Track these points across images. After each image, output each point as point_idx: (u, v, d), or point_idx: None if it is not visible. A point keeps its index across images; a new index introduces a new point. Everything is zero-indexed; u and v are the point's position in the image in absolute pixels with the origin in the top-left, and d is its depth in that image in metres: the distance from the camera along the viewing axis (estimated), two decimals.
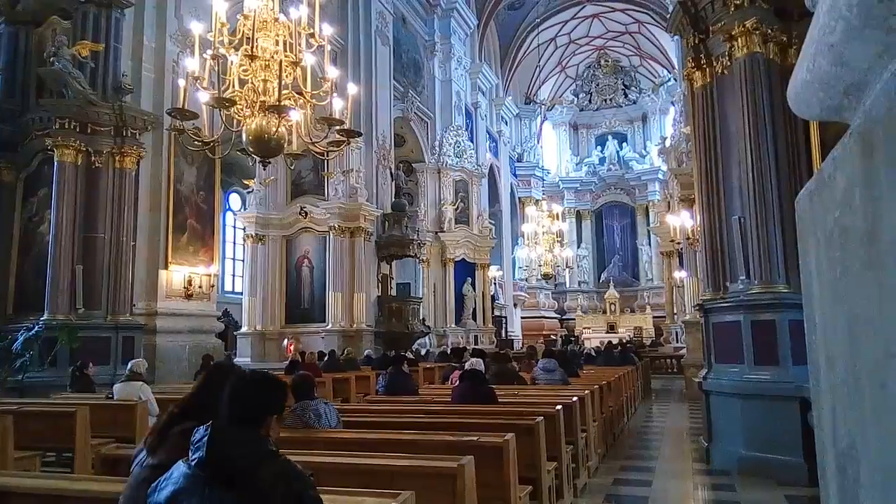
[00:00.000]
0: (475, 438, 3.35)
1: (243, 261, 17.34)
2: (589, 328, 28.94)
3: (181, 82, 6.08)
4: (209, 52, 6.02)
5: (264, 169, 7.37)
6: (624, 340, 20.91)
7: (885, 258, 0.83)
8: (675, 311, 19.03)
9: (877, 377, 0.88)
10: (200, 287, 11.39)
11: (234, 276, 23.41)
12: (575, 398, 5.73)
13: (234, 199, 24.01)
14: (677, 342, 19.18)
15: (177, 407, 2.24)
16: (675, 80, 24.74)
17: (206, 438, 1.73)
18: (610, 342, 18.18)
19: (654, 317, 27.95)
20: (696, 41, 6.83)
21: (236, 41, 5.99)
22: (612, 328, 28.34)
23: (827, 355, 1.22)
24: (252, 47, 5.82)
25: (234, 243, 23.18)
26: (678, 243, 14.87)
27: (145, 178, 10.74)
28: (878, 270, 0.86)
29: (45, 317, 9.43)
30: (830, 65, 1.00)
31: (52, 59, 9.83)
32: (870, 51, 0.88)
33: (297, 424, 3.92)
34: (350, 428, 4.25)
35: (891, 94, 0.80)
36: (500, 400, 5.56)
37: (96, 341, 9.57)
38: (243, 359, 15.20)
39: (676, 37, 8.14)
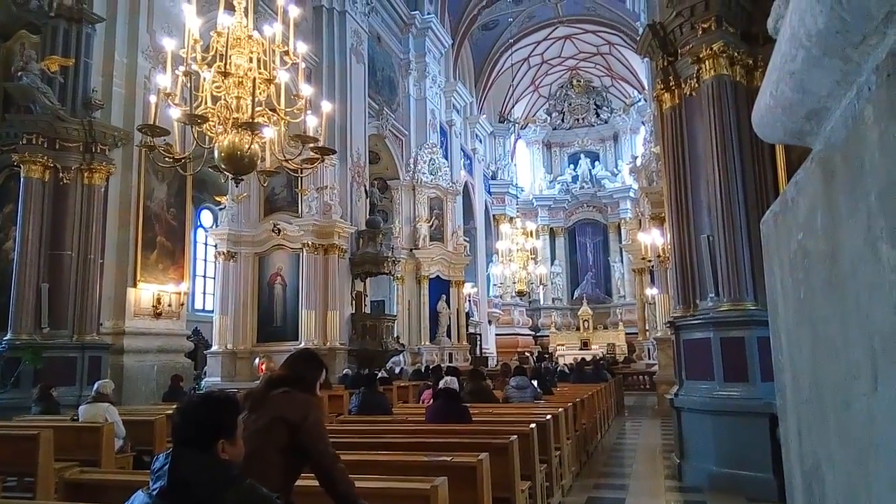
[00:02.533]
0: (448, 459, 3.33)
1: (214, 278, 17.10)
2: (563, 345, 29.07)
3: (152, 98, 6.02)
4: (181, 68, 5.98)
5: (237, 186, 7.31)
6: (597, 357, 21.03)
7: (845, 281, 0.85)
8: (647, 328, 19.22)
9: (840, 397, 0.90)
10: (170, 305, 11.18)
11: (204, 293, 23.05)
12: (549, 416, 5.74)
13: (206, 216, 23.71)
14: (650, 359, 19.35)
15: (275, 375, 2.85)
16: (645, 100, 25.23)
17: (166, 466, 1.69)
18: (583, 359, 18.27)
19: (627, 333, 28.20)
20: (665, 63, 6.98)
21: (209, 58, 5.96)
22: (585, 345, 28.50)
23: (793, 374, 1.24)
24: (225, 64, 5.80)
25: (206, 261, 22.86)
26: (649, 261, 15.07)
27: (114, 195, 10.56)
28: (838, 293, 0.88)
29: (8, 336, 9.17)
30: (792, 91, 1.03)
31: (20, 73, 9.66)
32: (829, 78, 0.91)
33: None
34: None
35: (848, 122, 0.83)
36: (474, 418, 5.54)
37: (62, 362, 9.32)
38: (213, 378, 14.92)
39: (646, 59, 8.32)
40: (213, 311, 16.75)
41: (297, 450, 2.58)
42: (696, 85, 6.65)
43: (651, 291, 17.19)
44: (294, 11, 6.15)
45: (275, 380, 2.78)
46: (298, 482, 2.71)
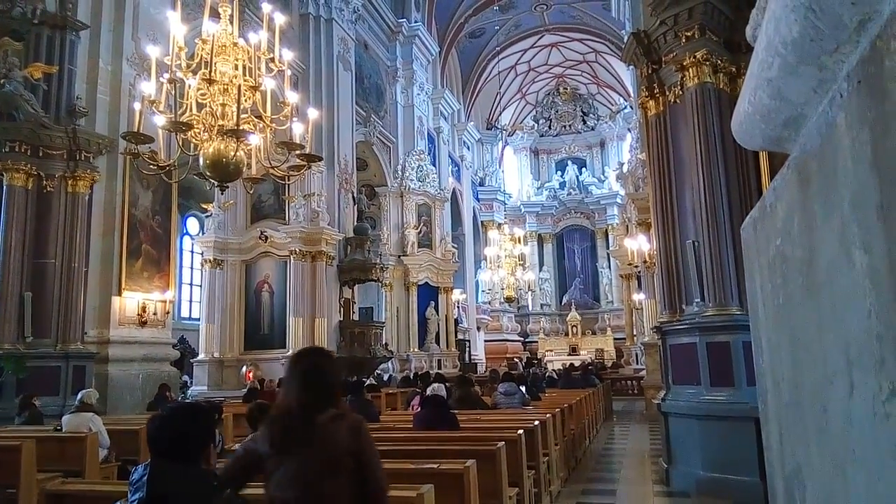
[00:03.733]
0: (435, 466, 3.32)
1: (201, 286, 16.99)
2: (552, 350, 29.13)
3: (137, 106, 5.98)
4: (166, 75, 5.95)
5: (222, 193, 7.27)
6: (586, 363, 21.09)
7: (822, 287, 0.86)
8: (634, 333, 19.31)
9: (818, 401, 0.91)
10: (155, 314, 11.08)
11: (191, 301, 22.89)
12: (537, 422, 5.74)
13: (192, 223, 23.58)
14: (637, 364, 19.42)
15: (300, 392, 2.21)
16: (631, 107, 25.43)
17: (145, 478, 1.67)
18: (571, 364, 18.30)
19: (615, 338, 28.30)
20: (650, 71, 7.04)
21: (194, 65, 5.94)
22: (574, 350, 28.57)
23: (773, 378, 1.25)
24: (210, 71, 5.78)
25: (192, 268, 22.71)
26: (636, 266, 15.15)
27: (99, 203, 10.47)
28: (815, 299, 0.89)
29: None
30: (770, 98, 1.04)
31: (2, 81, 9.56)
32: (805, 86, 0.92)
33: None
34: None
35: (822, 129, 0.84)
36: (462, 425, 5.53)
37: (45, 371, 9.20)
38: (199, 387, 14.81)
39: (631, 66, 8.38)
40: (199, 319, 16.63)
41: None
42: (681, 92, 6.71)
43: (638, 297, 17.28)
44: (280, 19, 6.15)
45: (307, 397, 2.18)
46: None
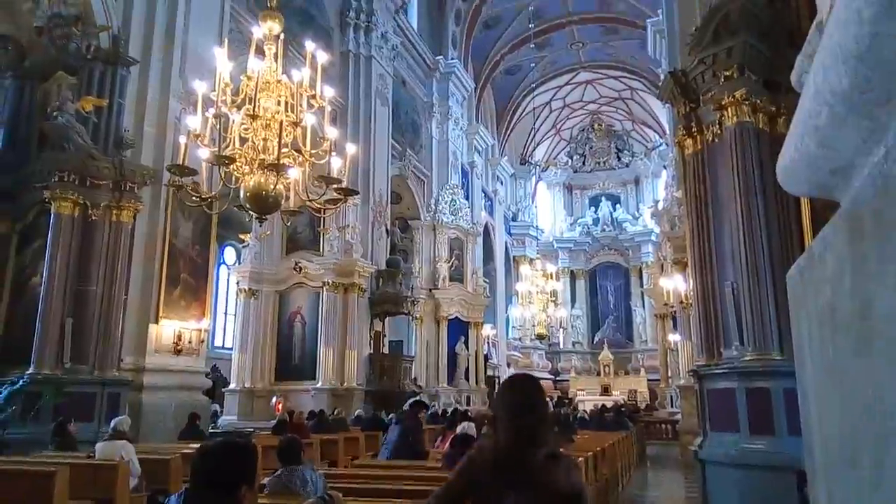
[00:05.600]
0: None
1: (235, 315, 17.20)
2: (583, 390, 28.56)
3: (182, 139, 6.17)
4: (211, 110, 6.14)
5: (260, 224, 7.40)
6: (618, 404, 20.62)
7: (876, 343, 0.83)
8: (669, 375, 18.86)
9: (873, 465, 0.87)
10: (190, 342, 11.23)
11: (224, 330, 23.17)
12: None
13: (230, 253, 24.00)
14: (672, 407, 18.92)
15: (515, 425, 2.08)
16: (666, 144, 25.30)
17: None
18: (603, 405, 17.92)
19: (649, 379, 27.64)
20: (687, 110, 7.01)
21: (239, 101, 6.12)
22: (606, 390, 27.96)
23: (822, 436, 1.20)
24: (254, 107, 5.94)
25: (227, 297, 23.05)
26: (672, 306, 14.87)
27: (141, 232, 10.75)
28: (869, 357, 0.86)
29: (30, 371, 9.25)
30: (817, 146, 1.02)
31: (55, 113, 9.98)
32: (855, 135, 0.91)
33: (281, 490, 3.80)
34: None
35: (877, 183, 0.82)
36: None
37: (81, 397, 9.35)
38: (230, 417, 14.88)
39: (668, 104, 8.37)
40: (232, 349, 16.80)
41: None
42: (719, 131, 6.65)
43: (674, 337, 16.92)
44: (322, 57, 6.32)
45: (523, 434, 2.06)
46: None
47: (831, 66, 0.84)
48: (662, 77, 8.25)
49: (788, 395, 5.72)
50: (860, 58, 0.77)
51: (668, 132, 20.95)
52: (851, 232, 0.93)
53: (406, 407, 7.01)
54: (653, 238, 28.74)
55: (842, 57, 0.80)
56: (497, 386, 25.13)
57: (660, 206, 18.00)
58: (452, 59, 22.99)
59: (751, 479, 5.96)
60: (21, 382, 9.03)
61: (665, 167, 24.92)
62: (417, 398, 11.22)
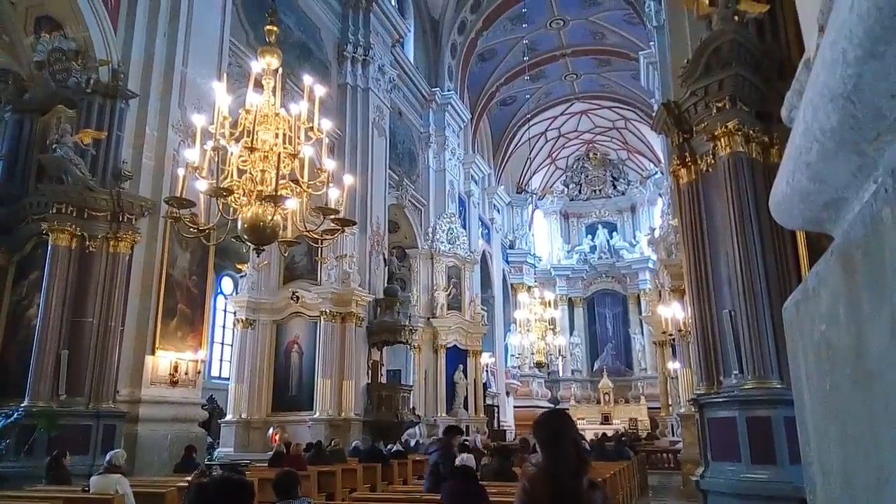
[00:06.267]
0: None
1: (232, 345, 17.10)
2: (583, 419, 28.27)
3: (180, 171, 6.21)
4: (210, 143, 6.19)
5: (258, 255, 7.41)
6: (619, 433, 20.42)
7: (873, 379, 0.83)
8: (669, 403, 18.69)
9: (873, 499, 0.86)
10: (186, 374, 11.14)
11: (221, 360, 23.01)
12: None
13: (227, 283, 23.95)
14: (673, 435, 18.73)
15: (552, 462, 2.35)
16: (661, 173, 25.48)
17: None
18: (604, 434, 17.74)
19: (650, 407, 27.42)
20: (681, 140, 7.09)
21: (237, 133, 6.17)
22: (606, 419, 27.73)
23: (822, 469, 1.20)
24: (252, 140, 6.00)
25: (224, 327, 22.93)
26: (671, 334, 14.82)
27: (138, 263, 10.73)
28: (866, 390, 0.86)
29: (25, 403, 9.15)
30: (809, 181, 1.04)
31: (54, 146, 10.04)
32: (845, 170, 0.92)
33: None
34: None
35: (867, 221, 0.83)
36: (495, 499, 5.35)
37: (76, 430, 9.24)
38: (226, 449, 14.70)
39: (662, 134, 8.46)
40: (228, 379, 16.67)
41: None
42: (713, 161, 6.72)
43: (673, 365, 16.82)
44: (320, 90, 6.39)
45: (571, 464, 2.33)
46: None
47: (820, 105, 0.86)
48: (656, 108, 8.35)
49: (789, 423, 5.68)
50: (847, 97, 0.79)
51: (662, 160, 21.13)
52: (844, 268, 0.94)
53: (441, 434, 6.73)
54: (650, 265, 28.78)
55: (829, 96, 0.82)
56: (496, 414, 24.94)
57: (656, 233, 18.05)
58: (448, 90, 23.27)
59: None
60: (15, 415, 8.92)
61: (660, 195, 25.08)
62: (452, 424, 11.03)
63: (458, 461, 5.78)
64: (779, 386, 5.94)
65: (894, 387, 0.76)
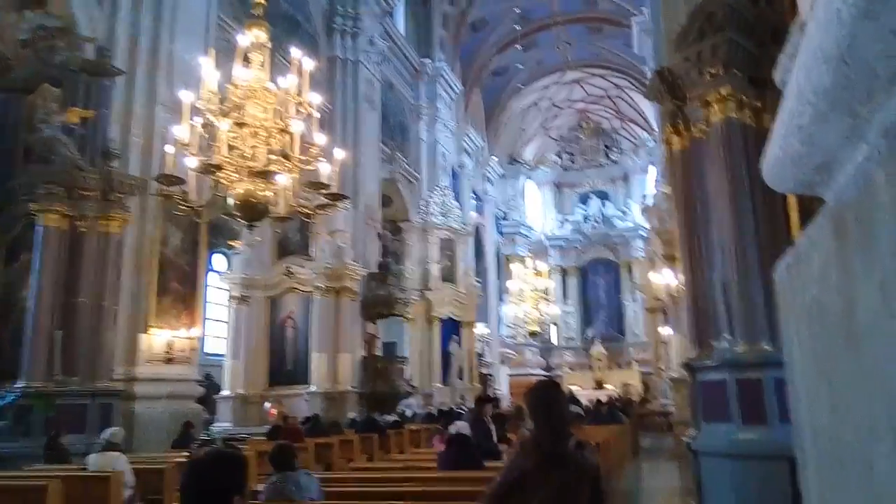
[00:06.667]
0: None
1: (226, 322, 17.14)
2: (576, 385, 28.65)
3: (169, 148, 6.15)
4: (198, 119, 6.12)
5: (251, 232, 7.38)
6: (612, 398, 20.71)
7: (862, 340, 0.84)
8: (661, 367, 18.94)
9: (862, 458, 0.88)
10: (182, 351, 11.17)
11: (216, 337, 23.05)
12: None
13: (219, 260, 23.86)
14: (665, 399, 19.01)
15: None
16: (654, 141, 25.43)
17: None
18: (598, 400, 17.99)
19: (642, 372, 27.79)
20: (674, 107, 7.04)
21: (226, 109, 6.10)
22: (599, 385, 28.10)
23: (812, 428, 1.22)
24: (241, 115, 5.93)
25: (218, 304, 22.93)
26: (662, 300, 14.95)
27: (130, 242, 10.67)
28: (856, 350, 0.87)
29: (21, 384, 9.17)
30: (801, 144, 1.04)
31: (41, 125, 9.90)
32: (838, 133, 0.92)
33: (276, 496, 3.79)
34: (331, 499, 4.13)
35: (859, 183, 0.83)
36: (488, 464, 5.44)
37: (72, 409, 9.26)
38: (224, 424, 14.82)
39: (655, 102, 8.40)
40: (223, 356, 16.74)
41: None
42: (706, 128, 6.69)
43: (665, 331, 17.00)
44: (309, 63, 6.31)
45: (556, 428, 2.63)
46: None
47: (813, 66, 0.86)
48: (649, 75, 8.30)
49: (779, 384, 5.76)
50: (841, 58, 0.78)
51: (655, 129, 21.06)
52: (836, 231, 0.94)
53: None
54: (642, 234, 28.87)
55: (823, 57, 0.82)
56: (487, 384, 25.21)
57: (649, 201, 18.09)
58: (440, 61, 23.00)
59: (744, 468, 6.00)
60: (11, 396, 8.95)
61: (653, 163, 25.06)
62: (481, 395, 11.08)
63: (452, 429, 5.86)
64: (769, 349, 6.00)
65: (884, 347, 0.77)
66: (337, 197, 6.60)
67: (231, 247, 16.78)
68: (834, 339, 0.99)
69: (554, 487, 2.48)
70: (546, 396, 2.71)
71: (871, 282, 0.80)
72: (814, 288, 1.09)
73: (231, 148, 6.10)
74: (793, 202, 5.97)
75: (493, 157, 30.54)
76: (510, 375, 29.06)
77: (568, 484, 2.52)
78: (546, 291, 27.32)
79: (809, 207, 5.30)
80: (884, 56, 0.73)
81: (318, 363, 14.86)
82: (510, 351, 29.54)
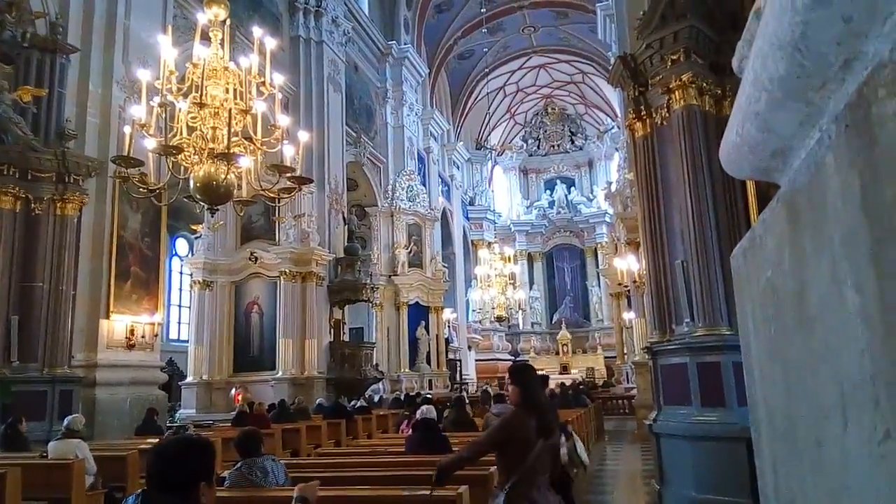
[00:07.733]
0: (428, 493, 3.29)
1: (189, 308, 16.86)
2: (542, 369, 28.98)
3: (127, 129, 5.98)
4: (156, 99, 5.96)
5: (212, 216, 7.25)
6: (577, 382, 21.04)
7: (814, 321, 0.86)
8: (625, 352, 19.30)
9: (813, 437, 0.91)
10: (143, 337, 10.97)
11: (179, 323, 22.70)
12: None
13: (182, 244, 23.45)
14: (628, 383, 19.39)
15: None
16: (618, 127, 25.66)
17: None
18: (563, 383, 18.25)
19: (606, 357, 28.27)
20: (637, 93, 7.11)
21: (185, 89, 5.95)
22: (565, 369, 28.51)
23: (766, 408, 1.25)
24: (201, 95, 5.79)
25: (181, 290, 22.55)
26: (626, 286, 15.18)
27: (87, 225, 10.39)
28: (808, 332, 0.89)
29: None
30: (758, 131, 1.05)
31: None
32: (793, 119, 0.93)
33: (242, 483, 3.77)
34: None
35: (811, 168, 0.85)
36: (455, 448, 5.48)
37: (31, 396, 9.04)
38: (188, 410, 14.64)
39: (618, 88, 8.47)
40: (187, 341, 16.49)
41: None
42: (667, 114, 6.78)
43: (628, 315, 17.29)
44: (270, 43, 6.18)
45: (543, 400, 3.36)
46: None
47: (769, 54, 0.87)
48: (613, 61, 8.35)
49: (738, 368, 5.92)
50: (795, 45, 0.79)
51: (619, 115, 21.24)
52: (789, 215, 0.96)
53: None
54: (606, 219, 29.24)
55: (778, 44, 0.82)
56: (458, 368, 25.37)
57: (613, 187, 18.29)
58: (405, 44, 22.79)
59: (704, 449, 6.16)
60: None
61: (617, 149, 25.32)
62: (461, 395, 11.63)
63: (419, 413, 5.89)
64: (728, 333, 6.16)
65: (833, 328, 0.79)
66: (301, 180, 6.51)
67: (193, 231, 16.51)
68: (787, 322, 1.01)
69: (547, 450, 3.01)
70: (534, 374, 3.37)
71: (821, 263, 0.82)
72: (768, 271, 1.11)
73: (191, 129, 5.96)
74: (751, 188, 6.11)
75: (460, 142, 30.49)
76: (478, 360, 29.28)
77: (557, 448, 3.18)
78: (513, 276, 27.51)
79: (767, 194, 5.43)
80: (835, 43, 0.74)
81: (285, 349, 14.74)
82: (477, 336, 29.74)
